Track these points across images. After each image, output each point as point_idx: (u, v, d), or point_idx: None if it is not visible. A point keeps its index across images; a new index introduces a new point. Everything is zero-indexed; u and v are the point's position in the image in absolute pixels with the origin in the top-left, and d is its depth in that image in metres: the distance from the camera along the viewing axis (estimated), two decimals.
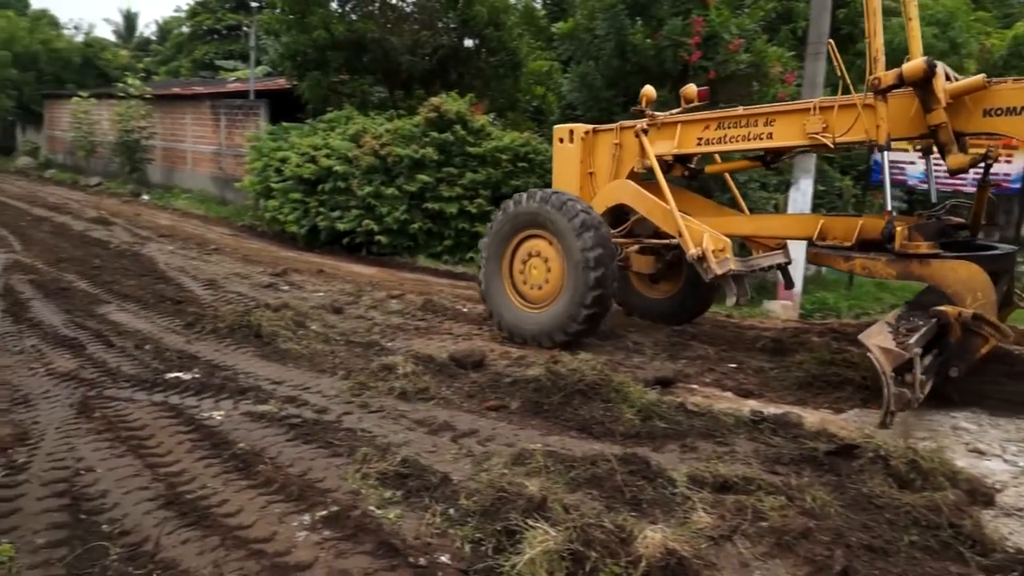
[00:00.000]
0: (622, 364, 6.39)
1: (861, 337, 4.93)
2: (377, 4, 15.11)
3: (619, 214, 7.42)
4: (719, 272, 6.20)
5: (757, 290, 10.26)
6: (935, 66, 5.29)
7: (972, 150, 5.71)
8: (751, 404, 5.55)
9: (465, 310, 8.64)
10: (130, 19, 45.87)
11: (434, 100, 12.75)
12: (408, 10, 15.34)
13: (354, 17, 14.88)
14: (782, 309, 9.63)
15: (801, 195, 9.84)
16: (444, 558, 3.19)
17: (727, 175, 7.80)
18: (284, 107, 17.03)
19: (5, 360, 6.23)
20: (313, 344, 6.81)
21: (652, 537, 3.09)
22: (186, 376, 5.84)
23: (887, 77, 5.47)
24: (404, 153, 12.34)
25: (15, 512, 3.62)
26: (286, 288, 9.64)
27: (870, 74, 5.60)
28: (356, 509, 3.57)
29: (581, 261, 6.42)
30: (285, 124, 15.00)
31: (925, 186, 8.10)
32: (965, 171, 5.75)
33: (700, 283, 6.83)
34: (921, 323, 5.09)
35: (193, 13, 34.65)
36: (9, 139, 30.21)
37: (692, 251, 6.32)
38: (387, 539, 3.27)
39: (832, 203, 13.10)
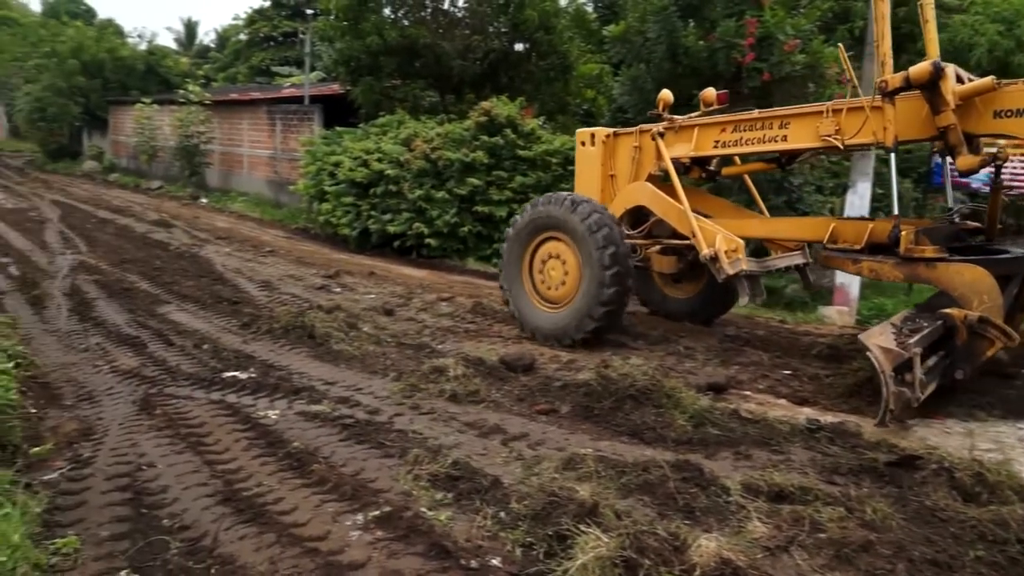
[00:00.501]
0: (673, 369, 6.32)
1: (861, 337, 5.01)
2: (429, 10, 15.25)
3: (639, 215, 7.54)
4: (731, 272, 6.33)
5: (812, 295, 10.05)
6: (941, 69, 5.31)
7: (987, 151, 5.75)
8: (807, 412, 5.44)
9: None
10: (190, 27, 47.23)
11: (484, 104, 12.81)
12: (459, 15, 15.45)
13: (406, 23, 15.04)
14: (838, 315, 9.41)
15: (859, 198, 9.60)
16: (495, 561, 3.20)
17: (746, 177, 7.88)
18: (338, 112, 17.30)
19: (72, 358, 6.46)
20: (365, 345, 6.89)
21: (706, 546, 3.05)
22: (242, 375, 5.97)
23: (894, 80, 5.53)
24: (455, 157, 12.42)
25: (81, 505, 3.74)
26: (338, 290, 9.78)
27: (878, 77, 5.65)
28: (408, 510, 3.60)
29: (596, 260, 6.58)
30: (338, 128, 15.24)
31: (988, 189, 7.91)
32: (975, 172, 5.80)
33: (731, 285, 6.81)
34: (925, 325, 5.17)
35: (251, 21, 35.47)
36: (76, 144, 31.28)
37: (705, 251, 6.48)
38: (439, 541, 3.29)
39: (890, 207, 12.76)
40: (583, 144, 7.86)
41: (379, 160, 13.14)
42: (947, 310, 5.17)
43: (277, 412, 5.11)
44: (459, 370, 5.79)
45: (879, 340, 4.88)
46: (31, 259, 10.97)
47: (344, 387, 5.73)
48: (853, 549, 3.25)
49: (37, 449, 4.39)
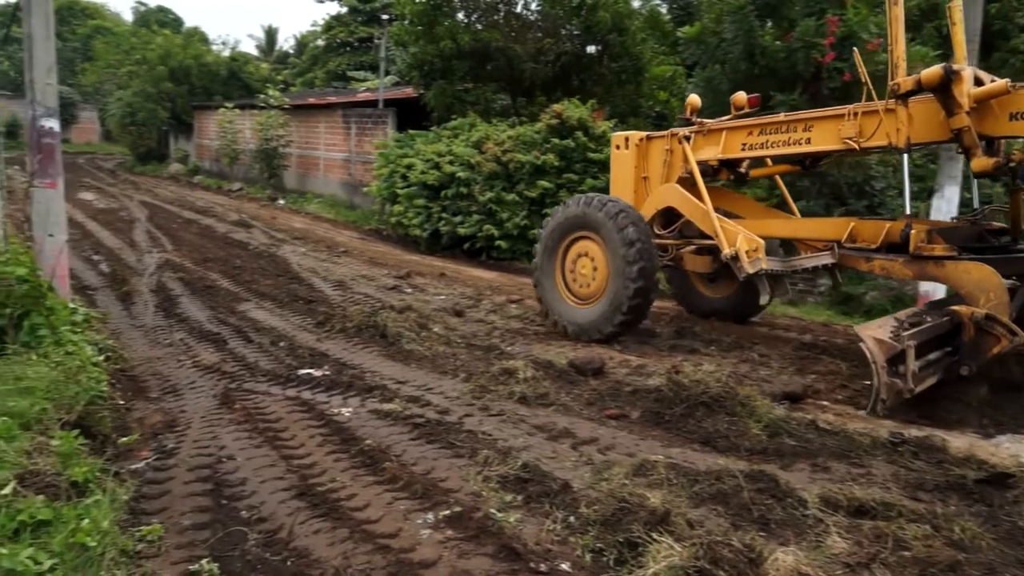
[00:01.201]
0: (747, 377, 6.18)
1: (857, 328, 5.19)
2: (502, 14, 15.33)
3: (670, 216, 7.78)
4: (750, 271, 6.53)
5: (893, 303, 9.68)
6: (952, 72, 5.42)
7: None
8: (888, 424, 5.22)
9: None
10: (271, 34, 48.73)
11: (556, 107, 12.80)
12: (532, 18, 15.49)
13: (479, 27, 15.17)
14: None
15: (946, 203, 9.19)
16: (565, 566, 3.18)
17: (777, 178, 8.07)
18: (411, 115, 17.56)
19: (157, 352, 6.73)
20: (435, 346, 6.96)
21: (783, 560, 2.96)
22: (317, 373, 6.11)
23: (906, 83, 5.67)
24: (525, 159, 12.45)
25: (165, 494, 3.89)
26: (409, 290, 9.92)
27: (891, 79, 5.77)
28: (478, 511, 3.62)
29: (622, 257, 6.83)
30: (411, 132, 15.47)
31: None
32: (990, 174, 5.93)
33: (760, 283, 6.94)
34: (928, 320, 5.32)
35: (328, 27, 36.38)
36: (163, 147, 32.66)
37: (726, 251, 6.70)
38: (508, 543, 3.29)
39: (974, 210, 12.19)
40: (618, 147, 8.13)
41: (450, 163, 13.28)
42: (954, 307, 5.30)
43: (350, 410, 5.21)
44: (528, 372, 5.79)
45: (874, 332, 4.99)
46: (121, 257, 11.49)
47: (415, 386, 5.80)
48: (940, 569, 3.11)
49: (125, 439, 4.58)
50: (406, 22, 15.85)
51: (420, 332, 7.28)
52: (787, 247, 8.29)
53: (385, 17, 20.57)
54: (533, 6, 15.59)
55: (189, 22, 50.50)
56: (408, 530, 3.48)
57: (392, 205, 14.83)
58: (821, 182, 10.68)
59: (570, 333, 7.35)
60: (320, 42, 38.31)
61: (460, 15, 15.37)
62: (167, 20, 49.22)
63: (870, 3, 11.33)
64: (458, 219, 13.20)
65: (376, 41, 30.01)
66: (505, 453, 4.34)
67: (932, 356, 5.19)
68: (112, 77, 33.29)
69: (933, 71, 5.49)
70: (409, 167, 14.14)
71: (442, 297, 9.50)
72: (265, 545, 3.38)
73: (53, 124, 6.53)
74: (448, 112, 15.46)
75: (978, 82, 5.59)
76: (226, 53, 35.72)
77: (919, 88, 5.63)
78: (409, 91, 18.03)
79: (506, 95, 16.08)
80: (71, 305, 6.29)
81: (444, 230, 13.46)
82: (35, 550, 2.80)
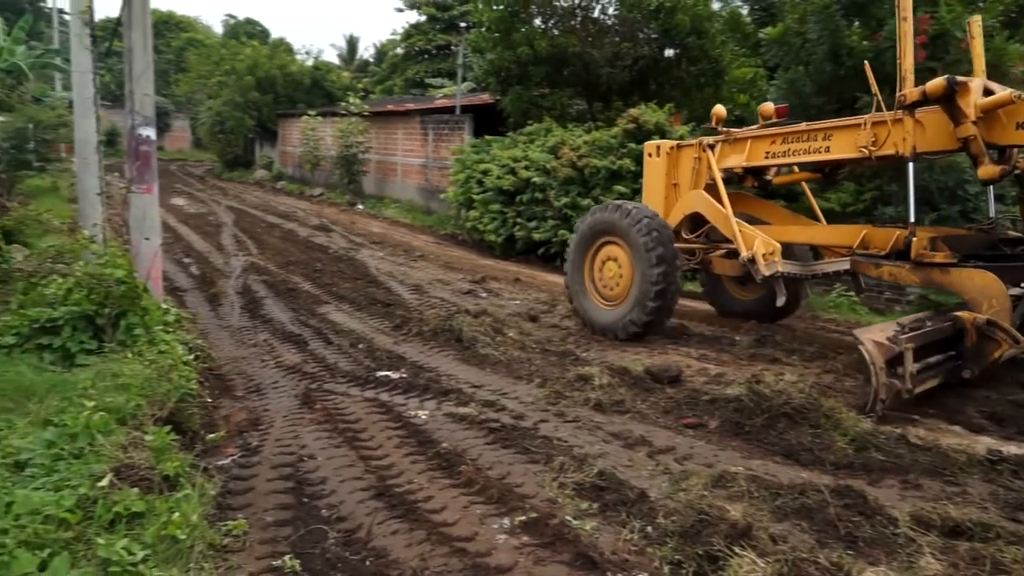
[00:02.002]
0: (832, 388, 5.95)
1: (856, 332, 5.35)
2: (579, 19, 15.28)
3: (697, 221, 8.08)
4: (766, 273, 6.80)
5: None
6: (956, 83, 5.56)
7: None
8: (985, 441, 4.96)
9: None
10: (352, 43, 49.92)
11: (633, 111, 12.67)
12: (609, 23, 15.38)
13: (556, 32, 15.15)
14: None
15: None
16: None
17: (804, 185, 8.24)
18: (487, 121, 17.68)
19: (242, 352, 6.96)
20: (510, 351, 6.98)
21: None
22: (394, 375, 6.20)
23: (912, 94, 5.82)
24: (601, 164, 12.36)
25: (249, 491, 4.01)
26: (484, 295, 9.98)
27: (899, 91, 5.93)
28: (554, 517, 3.60)
29: (645, 261, 7.15)
30: (487, 137, 15.57)
31: None
32: (997, 182, 6.10)
33: (787, 286, 7.15)
34: (929, 324, 5.48)
35: (407, 35, 37.03)
36: (250, 154, 33.85)
37: (744, 254, 6.95)
38: (585, 551, 3.26)
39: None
40: (650, 155, 8.45)
41: (526, 168, 13.31)
42: (957, 313, 5.47)
43: (427, 412, 5.27)
44: (604, 379, 5.75)
45: (873, 335, 5.19)
46: (209, 259, 11.95)
47: (490, 391, 5.83)
48: None
49: (212, 436, 4.75)
50: (484, 29, 15.97)
51: (495, 337, 7.31)
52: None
53: (463, 25, 20.85)
54: (610, 10, 15.48)
55: (275, 33, 52.19)
56: (484, 534, 3.49)
57: (468, 210, 14.96)
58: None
59: (596, 332, 7.72)
60: (399, 50, 39.02)
61: (537, 21, 15.39)
62: (255, 32, 51.07)
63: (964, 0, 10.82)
64: (533, 224, 13.21)
65: (454, 48, 30.40)
66: (581, 460, 4.31)
67: (933, 359, 5.37)
68: (203, 87, 34.69)
69: (937, 83, 5.62)
70: (485, 172, 14.24)
71: (517, 302, 9.52)
72: (344, 544, 3.44)
73: (150, 132, 6.85)
74: (524, 117, 15.50)
75: (988, 93, 5.68)
76: (309, 62, 36.77)
77: (924, 99, 5.77)
78: (485, 97, 18.17)
79: (582, 100, 16.01)
80: (163, 306, 6.57)
81: (519, 235, 13.49)
82: (129, 541, 2.93)
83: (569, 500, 3.84)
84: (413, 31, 36.48)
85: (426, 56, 35.83)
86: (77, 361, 5.03)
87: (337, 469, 4.29)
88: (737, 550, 3.09)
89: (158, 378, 4.67)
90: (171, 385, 4.69)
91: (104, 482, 3.26)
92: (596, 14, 15.43)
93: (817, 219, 7.98)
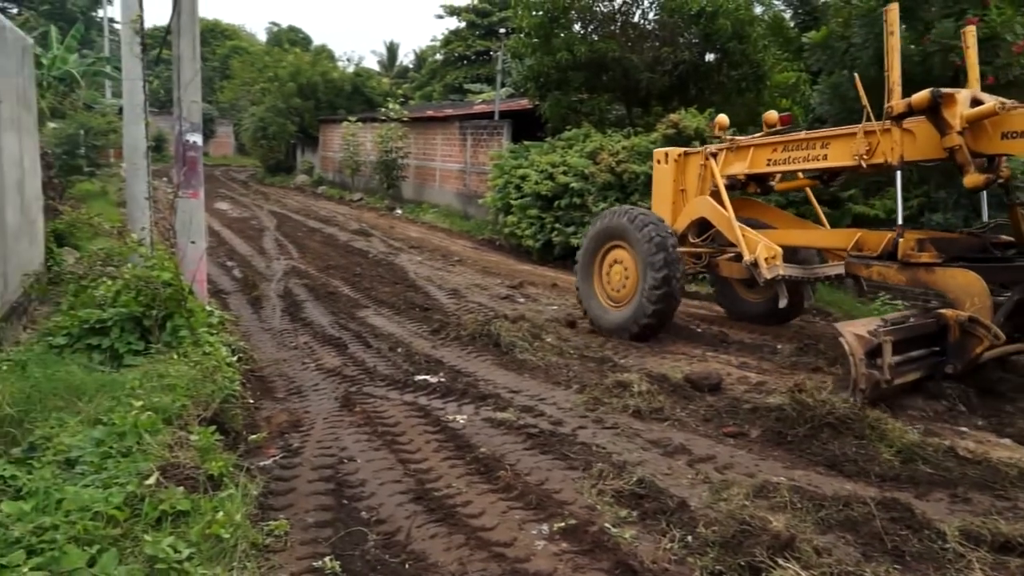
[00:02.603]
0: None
1: (838, 325, 5.71)
2: (619, 24, 15.23)
3: (704, 226, 8.33)
4: (768, 276, 7.04)
5: None
6: (940, 95, 5.83)
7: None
8: None
9: (699, 330, 8.39)
10: (392, 50, 50.49)
11: (672, 116, 12.58)
12: (649, 28, 15.30)
13: (595, 38, 15.11)
14: None
15: None
16: None
17: (808, 191, 8.41)
18: (525, 126, 17.71)
19: (283, 354, 7.06)
20: (548, 356, 6.97)
21: None
22: (433, 379, 6.23)
23: (899, 106, 6.10)
24: (640, 170, 12.29)
25: (291, 491, 4.06)
26: (522, 300, 9.98)
27: (887, 102, 6.19)
28: (593, 525, 3.58)
29: (649, 265, 7.41)
30: (526, 143, 15.59)
31: None
32: (982, 190, 6.41)
33: (792, 288, 7.55)
34: (912, 321, 5.80)
35: (447, 42, 37.35)
36: (291, 159, 34.38)
37: (747, 257, 7.19)
38: (624, 559, 3.24)
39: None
40: (659, 162, 8.75)
41: (564, 173, 13.29)
42: (940, 310, 5.74)
43: (465, 417, 5.28)
44: (643, 386, 5.70)
45: (855, 328, 5.48)
46: (251, 263, 12.15)
47: (528, 396, 5.82)
48: None
49: (254, 437, 4.82)
50: (523, 35, 15.99)
51: (533, 342, 7.31)
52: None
53: (502, 31, 20.92)
54: (651, 15, 15.42)
55: (317, 40, 53.12)
56: (523, 540, 3.48)
57: (505, 215, 14.98)
58: (958, 193, 10.00)
59: (603, 332, 7.95)
60: (439, 56, 39.38)
61: (576, 26, 15.37)
62: (297, 39, 51.94)
63: (1016, 2, 10.55)
64: (571, 230, 13.17)
65: (493, 54, 30.52)
66: (620, 467, 4.28)
67: (915, 353, 5.62)
68: (247, 94, 35.35)
69: (922, 95, 5.88)
70: (523, 178, 14.25)
71: (554, 307, 9.50)
72: (384, 546, 3.46)
73: (197, 138, 6.99)
74: (563, 123, 15.48)
75: (977, 103, 5.88)
76: (350, 69, 37.26)
77: (911, 111, 6.03)
78: (524, 102, 18.20)
79: (621, 105, 15.95)
80: (208, 308, 6.69)
81: (557, 240, 13.47)
82: (175, 539, 2.98)
83: (608, 507, 3.81)
84: (453, 37, 36.79)
85: (465, 62, 36.07)
86: (125, 361, 5.15)
87: (376, 472, 4.32)
88: (780, 562, 3.04)
89: (203, 379, 4.76)
90: (215, 386, 4.77)
91: (151, 480, 3.32)
92: (636, 19, 15.37)
93: (821, 223, 8.15)
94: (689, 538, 3.47)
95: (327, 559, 3.32)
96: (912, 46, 10.17)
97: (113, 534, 2.92)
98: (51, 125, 17.79)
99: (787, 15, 18.24)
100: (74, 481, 3.25)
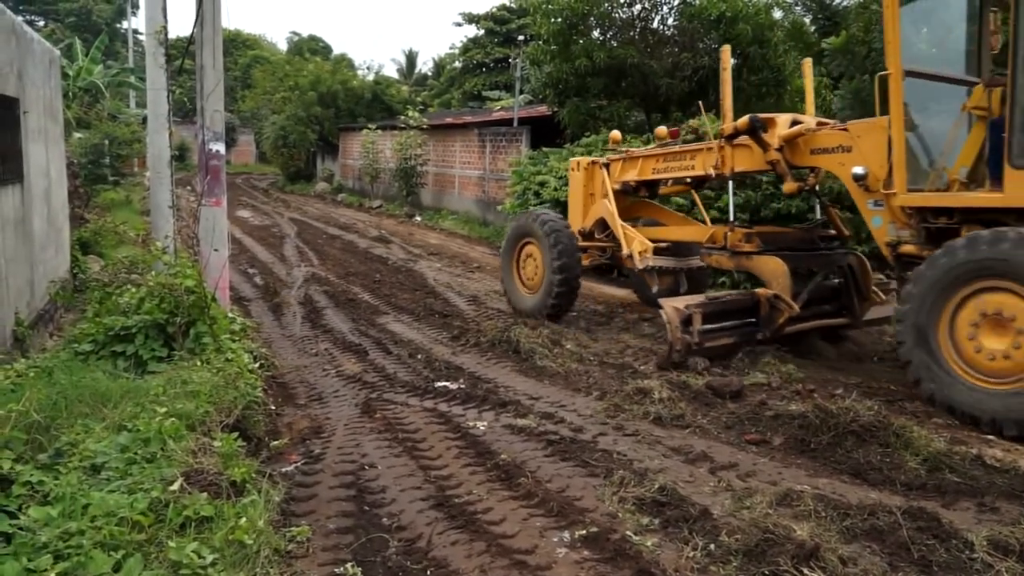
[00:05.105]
0: (902, 405, 5.77)
1: (661, 300, 6.87)
2: (638, 30, 15.22)
3: (606, 224, 9.28)
4: (639, 267, 8.17)
5: None
6: (758, 121, 7.10)
7: None
8: None
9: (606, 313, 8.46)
10: (411, 58, 50.78)
11: (692, 122, 12.50)
12: (668, 34, 15.27)
13: (614, 44, 15.10)
14: None
15: None
16: None
17: (694, 193, 9.63)
18: (544, 133, 17.72)
19: (304, 360, 7.10)
20: (568, 363, 6.95)
21: None
22: (453, 386, 6.24)
23: (727, 128, 7.42)
24: None
25: (312, 498, 4.08)
26: None
27: (721, 124, 7.60)
28: (614, 532, 3.56)
29: (551, 258, 8.54)
30: (545, 149, 15.59)
31: None
32: (796, 195, 8.66)
33: (692, 276, 9.03)
34: (729, 297, 7.36)
35: (465, 49, 37.47)
36: (311, 167, 34.64)
37: (625, 251, 8.35)
38: (646, 568, 3.22)
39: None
40: (573, 170, 9.81)
41: None
42: (756, 290, 7.18)
43: (485, 423, 5.28)
44: (664, 392, 5.67)
45: (674, 302, 6.72)
46: (272, 270, 12.24)
47: (548, 403, 5.81)
48: None
49: (276, 443, 4.86)
50: (542, 42, 16.02)
51: (553, 348, 7.30)
52: None
53: (520, 38, 20.95)
54: (670, 21, 15.39)
55: (337, 49, 53.63)
56: (544, 548, 3.47)
57: None
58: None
59: (521, 315, 8.92)
60: (457, 64, 39.51)
61: (595, 33, 15.38)
62: (318, 48, 52.38)
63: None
64: None
65: (511, 61, 30.59)
66: (641, 475, 4.26)
67: (729, 323, 6.95)
68: (268, 103, 35.67)
69: (743, 121, 7.14)
70: (542, 184, 14.25)
71: (573, 314, 9.48)
72: (405, 553, 3.47)
73: (219, 147, 7.07)
74: (582, 129, 15.48)
75: (796, 123, 7.09)
76: (370, 77, 37.41)
77: (737, 132, 7.32)
78: (543, 109, 18.22)
79: (640, 111, 15.92)
80: (230, 315, 6.75)
81: None
82: (199, 544, 3.00)
83: (629, 515, 3.79)
84: (471, 45, 36.90)
85: (484, 69, 36.16)
86: (149, 368, 5.21)
87: (397, 478, 4.33)
88: (805, 571, 3.01)
89: (225, 385, 4.80)
90: (237, 392, 4.81)
91: (175, 486, 3.35)
92: (655, 25, 15.35)
93: (704, 222, 9.23)
94: (712, 546, 3.44)
95: (349, 565, 3.33)
96: (934, 50, 10.08)
97: (138, 539, 2.95)
98: (77, 135, 18.07)
99: (807, 20, 18.13)
100: (100, 487, 3.29)
